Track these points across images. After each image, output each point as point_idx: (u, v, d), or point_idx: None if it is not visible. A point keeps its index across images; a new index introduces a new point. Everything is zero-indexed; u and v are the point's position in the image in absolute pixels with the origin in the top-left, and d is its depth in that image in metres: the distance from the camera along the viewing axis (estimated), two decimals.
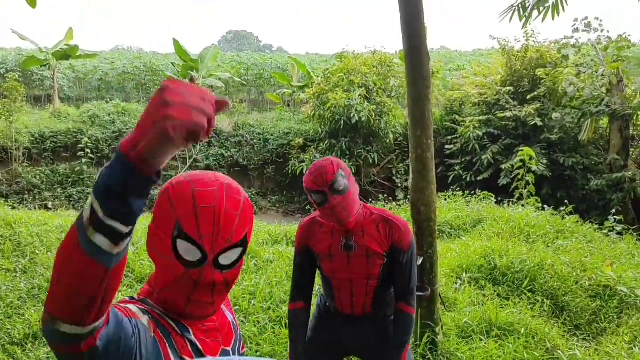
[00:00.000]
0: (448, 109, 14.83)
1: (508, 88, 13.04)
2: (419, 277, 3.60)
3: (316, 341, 2.41)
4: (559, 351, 3.74)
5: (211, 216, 1.08)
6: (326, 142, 13.37)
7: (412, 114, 3.41)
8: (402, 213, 7.34)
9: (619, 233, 7.26)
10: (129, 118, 15.33)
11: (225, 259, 1.12)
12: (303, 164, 13.32)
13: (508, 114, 12.43)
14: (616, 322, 4.52)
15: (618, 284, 4.88)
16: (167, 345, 1.12)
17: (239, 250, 1.14)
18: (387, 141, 13.42)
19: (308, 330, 2.38)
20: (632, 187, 11.15)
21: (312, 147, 13.89)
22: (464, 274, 4.93)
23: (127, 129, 14.62)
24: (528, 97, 12.71)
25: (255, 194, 14.71)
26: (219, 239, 1.09)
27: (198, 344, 1.18)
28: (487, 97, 13.38)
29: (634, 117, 11.62)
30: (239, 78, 17.81)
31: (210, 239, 1.09)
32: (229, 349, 1.28)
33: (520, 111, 12.33)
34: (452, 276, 4.91)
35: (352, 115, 12.51)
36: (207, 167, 14.61)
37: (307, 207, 13.70)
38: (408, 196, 10.32)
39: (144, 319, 1.09)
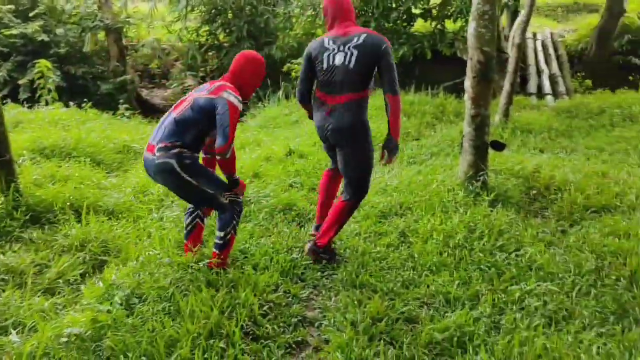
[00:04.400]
0: None
1: (9, 6, 13.49)
2: None
3: None
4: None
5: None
6: None
7: None
8: None
9: (128, 117, 10.03)
10: None
11: None
12: None
13: (14, 31, 13.06)
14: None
15: None
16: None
17: None
18: None
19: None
20: (134, 87, 14.09)
21: None
22: None
23: None
24: (30, 14, 13.57)
25: None
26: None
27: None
28: None
29: (125, 30, 14.32)
30: None
31: None
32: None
33: (26, 28, 13.15)
34: None
35: None
36: None
37: None
38: None
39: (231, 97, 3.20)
